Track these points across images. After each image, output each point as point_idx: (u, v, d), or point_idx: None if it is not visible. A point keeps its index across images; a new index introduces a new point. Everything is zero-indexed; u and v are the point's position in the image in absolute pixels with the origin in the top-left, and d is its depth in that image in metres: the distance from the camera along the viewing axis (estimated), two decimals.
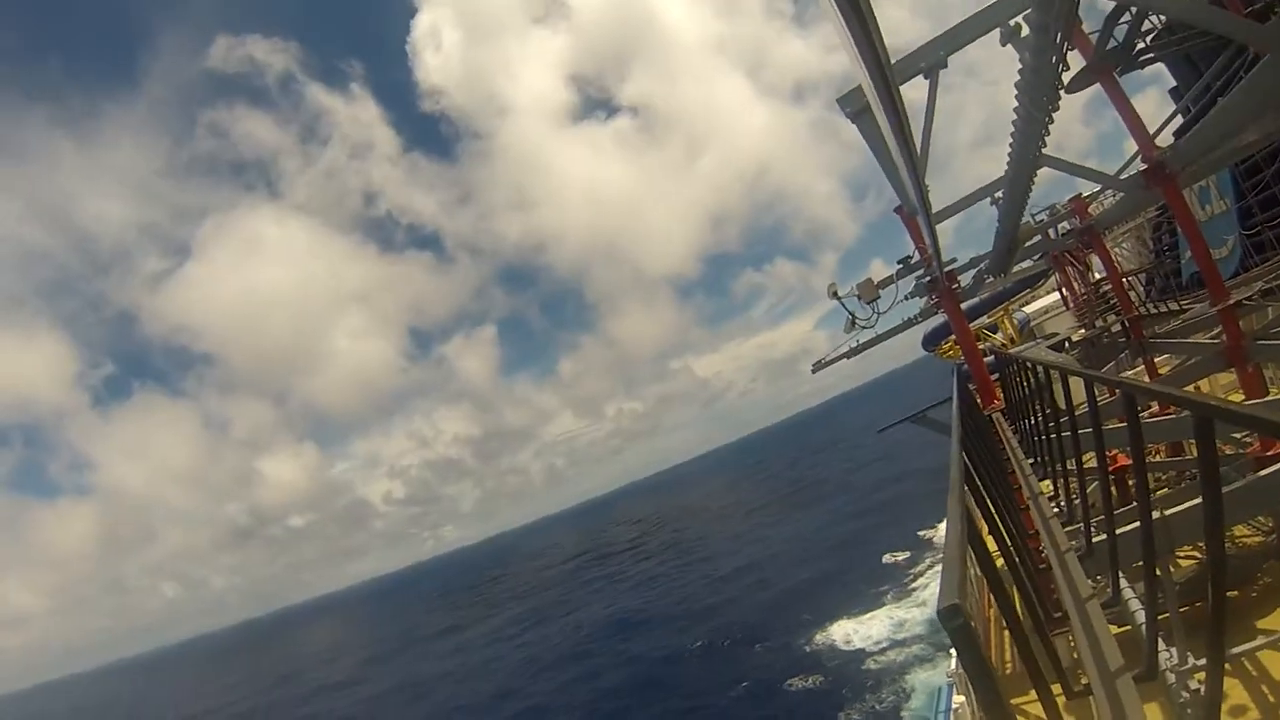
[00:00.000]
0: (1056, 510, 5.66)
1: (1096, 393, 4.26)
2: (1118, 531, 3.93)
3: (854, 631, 30.70)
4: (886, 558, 38.83)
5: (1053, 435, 5.92)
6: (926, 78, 7.47)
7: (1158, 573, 3.69)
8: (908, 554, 37.87)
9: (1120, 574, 4.27)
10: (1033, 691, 2.55)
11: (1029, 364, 7.77)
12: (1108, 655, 2.80)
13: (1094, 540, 4.60)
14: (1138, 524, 3.31)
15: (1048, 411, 6.28)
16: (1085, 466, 5.26)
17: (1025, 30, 5.78)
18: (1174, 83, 15.74)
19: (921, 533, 39.51)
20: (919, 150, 5.73)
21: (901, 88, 5.19)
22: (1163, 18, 9.19)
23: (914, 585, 32.73)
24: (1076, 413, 4.93)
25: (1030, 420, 8.07)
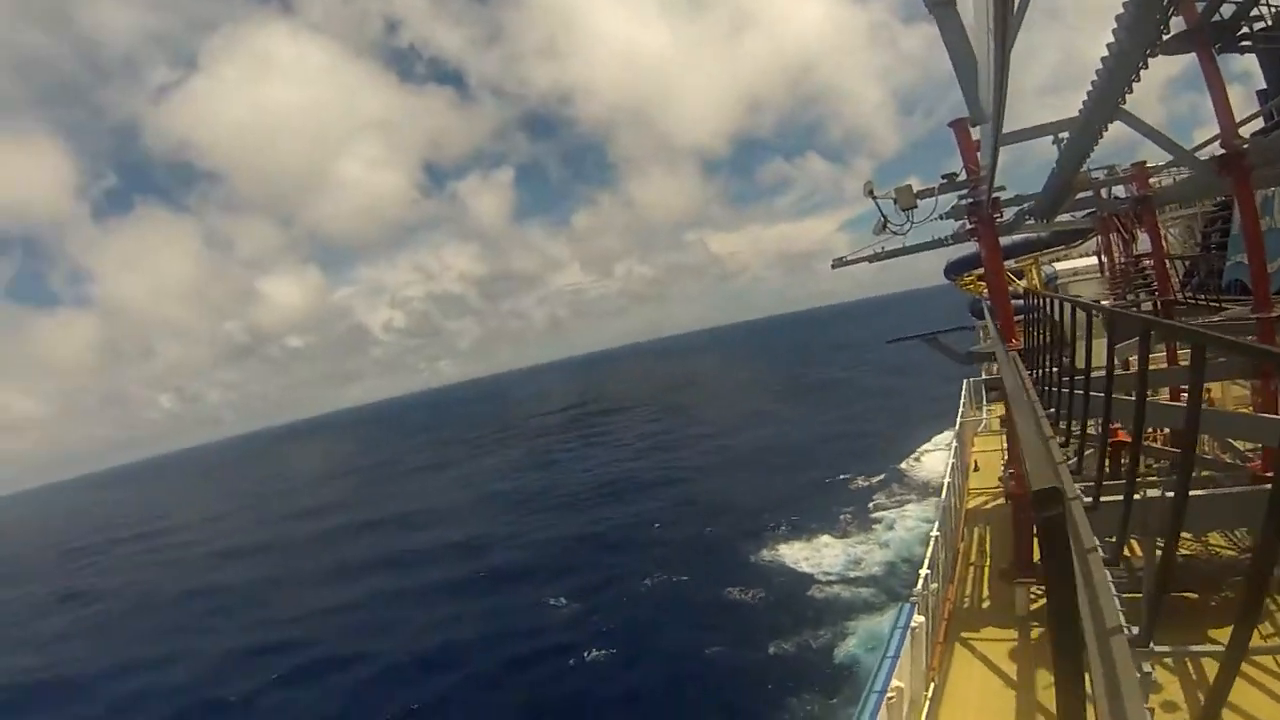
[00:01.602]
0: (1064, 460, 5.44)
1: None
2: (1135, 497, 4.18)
3: (807, 555, 29.77)
4: (860, 481, 37.72)
5: (1077, 391, 5.91)
6: None
7: (1159, 547, 3.94)
8: (879, 481, 36.72)
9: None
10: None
11: (1067, 307, 7.27)
12: (1106, 612, 2.51)
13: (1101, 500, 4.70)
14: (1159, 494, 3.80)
15: (1066, 361, 6.44)
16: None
17: None
18: (1263, 85, 15.03)
19: (901, 465, 38.33)
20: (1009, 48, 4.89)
21: None
22: (1274, 8, 8.99)
23: (876, 519, 31.53)
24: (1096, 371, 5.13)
25: (1043, 370, 8.30)
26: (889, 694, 7.31)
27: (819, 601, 25.63)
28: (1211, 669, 6.40)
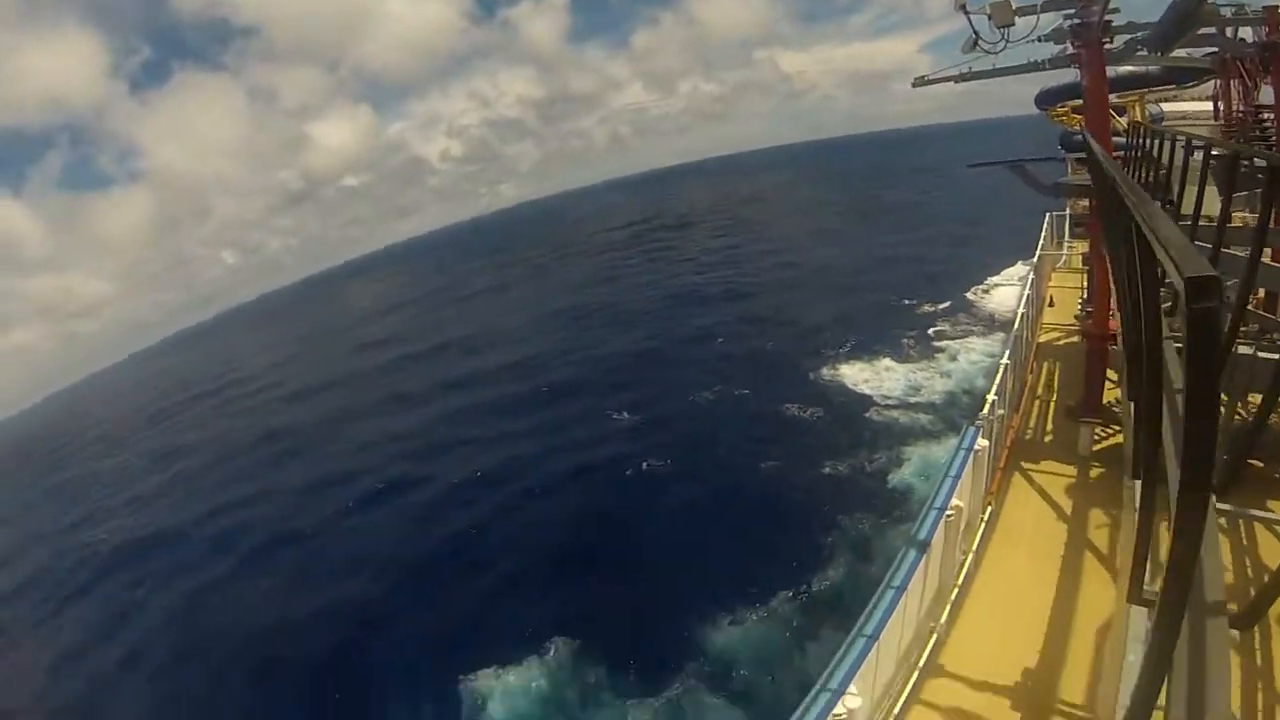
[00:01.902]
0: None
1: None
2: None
3: (867, 377, 29.53)
4: (926, 307, 36.36)
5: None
6: None
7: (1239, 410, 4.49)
8: (945, 309, 35.31)
9: None
10: None
11: (1176, 149, 6.83)
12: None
13: None
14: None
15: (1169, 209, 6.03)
16: None
17: None
18: None
19: (970, 295, 36.51)
20: None
21: None
22: None
23: (939, 347, 30.59)
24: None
25: None
26: (948, 511, 7.33)
27: (876, 424, 25.60)
28: (1265, 538, 6.28)
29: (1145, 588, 3.95)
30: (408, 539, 25.96)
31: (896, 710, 6.86)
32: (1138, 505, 4.65)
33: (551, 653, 17.87)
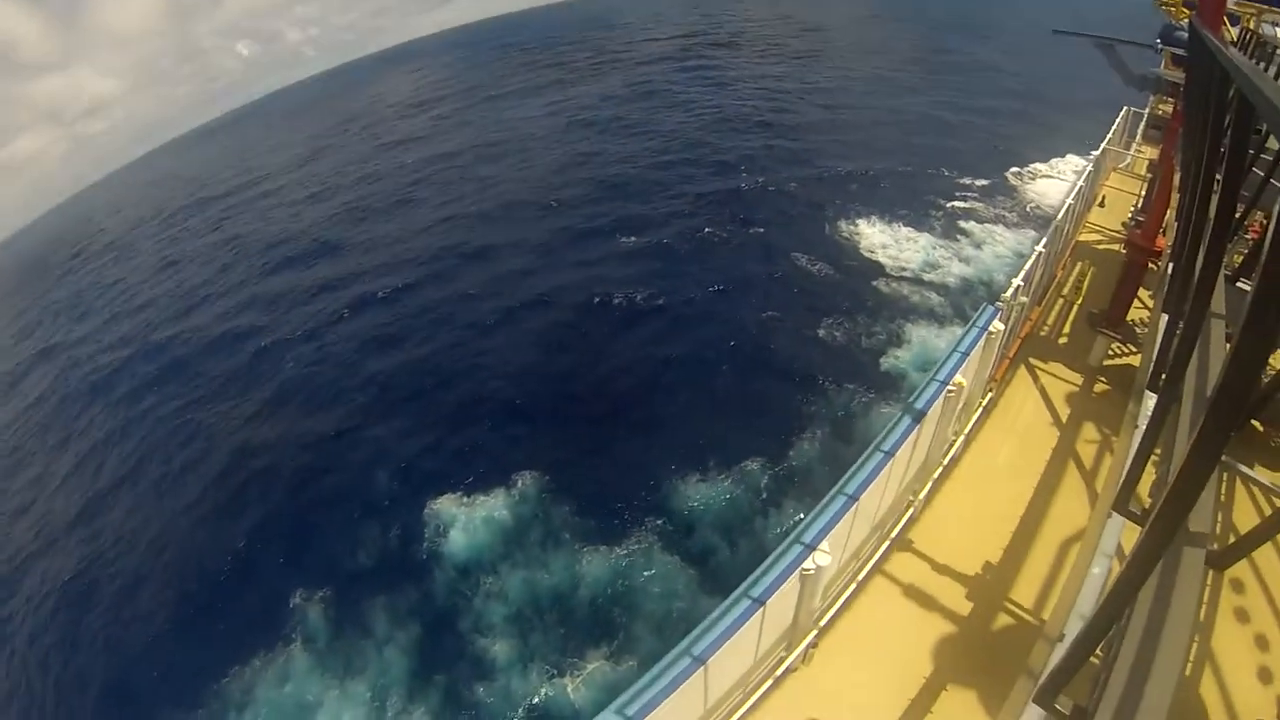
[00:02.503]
0: None
1: None
2: None
3: (884, 242, 28.66)
4: (964, 180, 34.44)
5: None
6: None
7: None
8: (985, 188, 33.41)
9: None
10: None
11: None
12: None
13: None
14: None
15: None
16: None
17: None
18: None
19: (1013, 178, 34.42)
20: None
21: None
22: None
23: (967, 230, 29.12)
24: None
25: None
26: (950, 387, 7.20)
27: (883, 295, 25.08)
28: (1241, 496, 6.26)
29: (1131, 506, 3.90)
30: (388, 351, 26.66)
31: (860, 576, 7.13)
32: (1147, 418, 4.70)
33: (518, 486, 18.49)
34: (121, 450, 26.72)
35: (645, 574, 15.73)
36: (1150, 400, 4.97)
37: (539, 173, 43.24)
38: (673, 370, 22.41)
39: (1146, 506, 4.44)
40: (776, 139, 42.99)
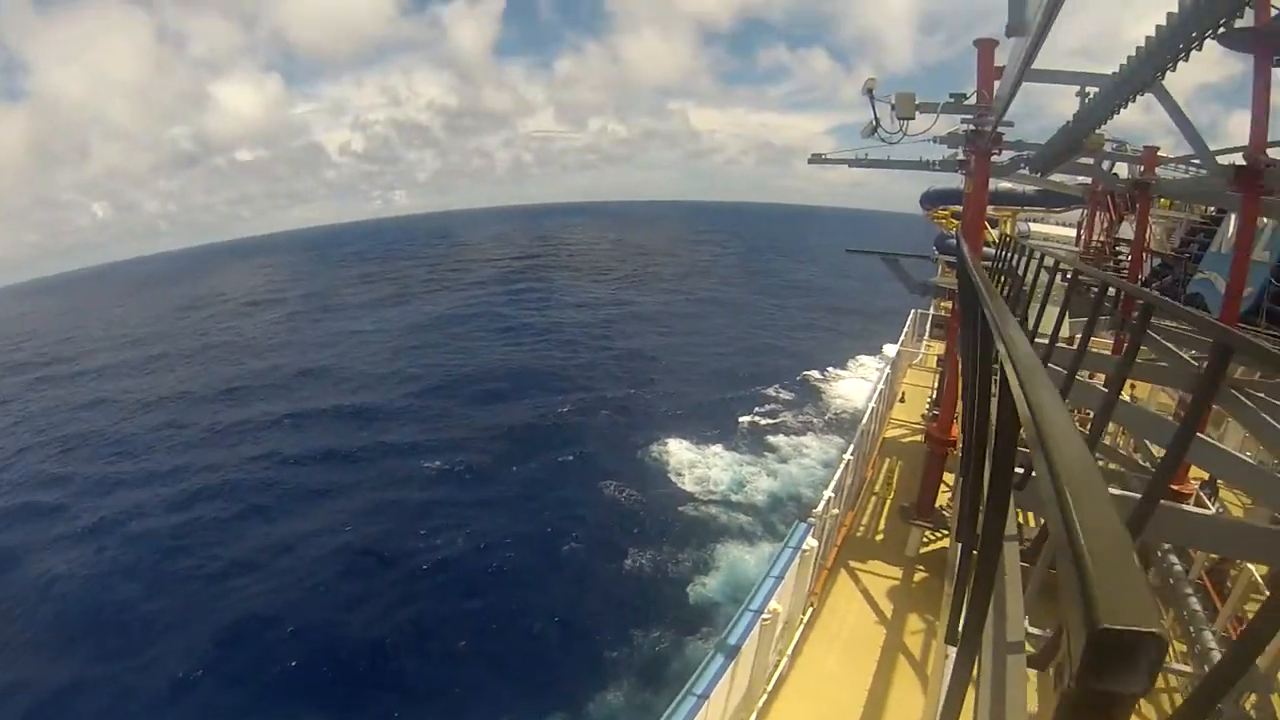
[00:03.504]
0: None
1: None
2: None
3: (693, 461, 27.85)
4: (770, 390, 35.68)
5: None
6: None
7: None
8: (790, 400, 34.70)
9: None
10: None
11: (1034, 266, 7.48)
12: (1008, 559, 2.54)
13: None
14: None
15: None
16: None
17: None
18: None
19: (819, 381, 36.52)
20: None
21: None
22: None
23: (774, 445, 29.25)
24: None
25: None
26: (764, 615, 7.08)
27: (691, 520, 23.72)
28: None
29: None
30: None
31: None
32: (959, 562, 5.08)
33: None
34: None
35: None
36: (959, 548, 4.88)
37: (352, 386, 41.03)
38: (462, 614, 19.57)
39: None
40: (597, 361, 43.68)
